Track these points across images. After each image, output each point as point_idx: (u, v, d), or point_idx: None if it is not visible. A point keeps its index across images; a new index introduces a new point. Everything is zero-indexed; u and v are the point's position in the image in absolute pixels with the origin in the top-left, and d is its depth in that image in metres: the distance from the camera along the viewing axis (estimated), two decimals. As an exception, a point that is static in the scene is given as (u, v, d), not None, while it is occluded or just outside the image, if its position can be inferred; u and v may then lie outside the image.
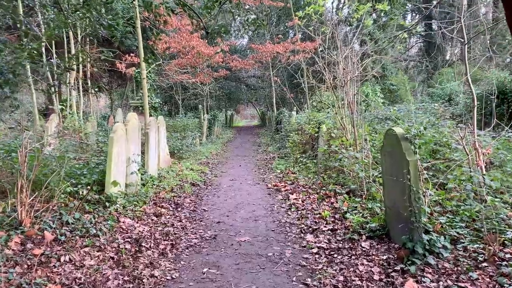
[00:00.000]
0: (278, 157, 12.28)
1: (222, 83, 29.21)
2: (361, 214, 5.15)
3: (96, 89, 16.55)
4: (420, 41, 31.22)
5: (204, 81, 19.05)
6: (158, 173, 8.69)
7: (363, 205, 5.53)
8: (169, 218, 5.66)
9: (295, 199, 6.68)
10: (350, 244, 4.36)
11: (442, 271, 3.41)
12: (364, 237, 4.46)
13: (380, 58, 14.31)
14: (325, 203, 6.18)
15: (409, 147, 3.86)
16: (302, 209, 5.96)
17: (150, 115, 11.98)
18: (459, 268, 3.41)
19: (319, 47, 17.05)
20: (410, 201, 3.77)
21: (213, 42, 17.90)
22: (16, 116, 16.55)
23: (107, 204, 5.76)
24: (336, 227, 4.91)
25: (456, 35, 8.15)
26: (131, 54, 13.96)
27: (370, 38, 21.28)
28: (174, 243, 4.59)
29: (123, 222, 5.20)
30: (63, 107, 10.61)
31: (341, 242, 4.45)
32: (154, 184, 7.79)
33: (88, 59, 13.35)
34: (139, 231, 4.91)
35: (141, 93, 11.96)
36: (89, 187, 5.83)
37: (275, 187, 7.95)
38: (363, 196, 5.86)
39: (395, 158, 4.04)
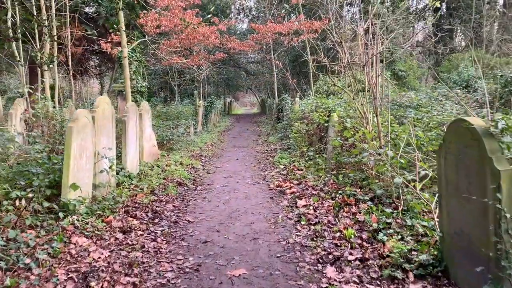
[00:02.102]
0: (281, 149, 10.88)
1: (220, 67, 27.67)
2: (399, 237, 3.76)
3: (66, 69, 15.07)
4: (428, 26, 29.64)
5: (200, 65, 17.52)
6: (140, 170, 7.31)
7: (399, 221, 4.15)
8: (140, 235, 4.28)
9: (305, 206, 5.31)
10: (392, 286, 3.00)
11: None
12: (411, 275, 3.09)
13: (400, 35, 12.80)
14: (344, 213, 4.80)
15: (497, 149, 2.46)
16: (316, 223, 4.58)
17: (136, 101, 10.55)
18: None
19: (328, 24, 15.54)
20: (498, 234, 2.39)
21: (209, 21, 16.36)
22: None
23: (60, 215, 4.39)
24: (367, 255, 3.53)
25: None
26: (118, 33, 12.44)
27: (380, 20, 19.72)
28: (139, 280, 3.21)
29: (75, 244, 3.83)
30: (31, 91, 9.17)
31: (378, 282, 3.08)
32: (131, 184, 6.41)
33: (67, 34, 11.86)
34: (93, 259, 3.54)
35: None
36: (33, 193, 4.45)
37: (279, 187, 6.57)
38: (398, 208, 4.47)
39: (469, 165, 2.65)
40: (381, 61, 6.67)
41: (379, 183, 5.49)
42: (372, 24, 5.73)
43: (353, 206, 4.98)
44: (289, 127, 13.03)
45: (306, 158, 8.46)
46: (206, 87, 25.96)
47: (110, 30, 13.07)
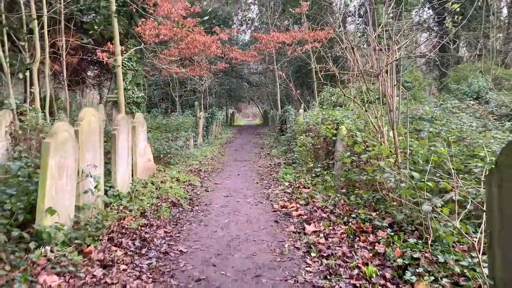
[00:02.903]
0: (285, 163, 10.25)
1: (222, 78, 27.24)
2: (432, 277, 3.12)
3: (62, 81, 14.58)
4: (432, 36, 29.21)
5: (201, 75, 17.01)
6: (131, 188, 6.69)
7: (428, 255, 3.50)
8: (123, 270, 3.65)
9: (315, 232, 4.66)
10: None
11: None
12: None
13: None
14: (360, 243, 4.16)
15: None
16: (328, 255, 3.94)
17: (132, 112, 9.99)
18: None
19: (334, 33, 15.00)
20: None
21: (211, 30, 15.90)
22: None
23: (32, 245, 3.78)
24: (394, 304, 2.89)
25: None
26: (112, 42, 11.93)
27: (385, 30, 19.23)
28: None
29: (42, 285, 3.20)
30: (17, 102, 8.61)
31: None
32: (120, 205, 5.79)
33: (62, 43, 11.37)
34: (60, 306, 2.91)
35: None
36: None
37: (284, 208, 5.93)
38: (423, 237, 3.83)
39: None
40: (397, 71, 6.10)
41: (398, 205, 4.86)
42: (386, 30, 5.15)
43: (370, 234, 4.34)
44: (293, 139, 12.43)
45: (313, 174, 7.83)
46: (208, 98, 25.50)
47: (109, 39, 12.58)
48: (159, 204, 6.03)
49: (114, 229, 4.78)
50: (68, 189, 4.71)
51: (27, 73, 9.03)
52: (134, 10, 12.50)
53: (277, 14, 19.95)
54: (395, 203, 4.92)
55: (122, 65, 9.59)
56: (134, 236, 4.58)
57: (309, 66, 19.95)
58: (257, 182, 8.09)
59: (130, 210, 5.57)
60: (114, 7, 7.88)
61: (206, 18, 13.27)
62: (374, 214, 4.94)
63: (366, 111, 5.86)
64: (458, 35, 24.80)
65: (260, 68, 31.63)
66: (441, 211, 3.66)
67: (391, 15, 16.53)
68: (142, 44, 10.01)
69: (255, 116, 53.78)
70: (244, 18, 32.55)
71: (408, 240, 3.92)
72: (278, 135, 17.40)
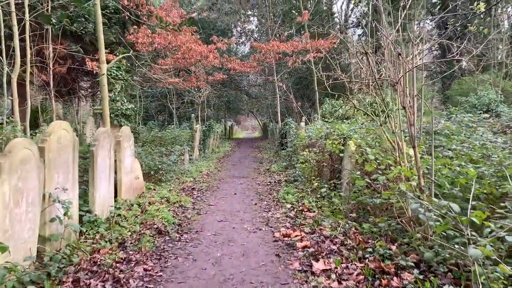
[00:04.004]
0: (286, 180, 9.47)
1: (220, 90, 26.62)
2: None
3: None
4: (435, 48, 28.71)
5: (198, 86, 16.32)
6: (112, 212, 5.89)
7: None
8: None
9: (325, 272, 3.86)
10: None
11: None
12: None
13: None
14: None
15: None
16: (344, 307, 3.14)
17: (120, 125, 9.23)
18: None
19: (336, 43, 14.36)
20: None
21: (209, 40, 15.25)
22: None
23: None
24: None
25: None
26: (105, 50, 11.24)
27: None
28: None
29: None
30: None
31: None
32: (97, 233, 4.99)
33: (49, 51, 10.68)
34: None
35: (109, 96, 9.22)
36: None
37: (286, 238, 5.13)
38: (461, 283, 3.03)
39: None
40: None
41: (423, 238, 4.07)
42: (407, 32, 4.42)
43: (394, 277, 3.54)
44: (295, 154, 11.68)
45: (318, 195, 7.04)
46: (206, 110, 24.82)
47: (98, 47, 11.87)
48: (142, 231, 5.23)
49: (84, 266, 3.98)
50: (29, 218, 3.92)
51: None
52: (126, 17, 11.87)
53: (277, 23, 19.38)
54: (419, 235, 4.13)
55: (110, 74, 8.88)
56: (106, 276, 3.78)
57: (310, 77, 19.31)
58: (256, 203, 7.29)
59: (108, 240, 4.78)
60: (99, 9, 7.17)
61: (193, 14, 12.55)
62: (394, 247, 4.14)
63: (381, 125, 5.10)
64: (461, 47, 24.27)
65: (259, 80, 31.07)
66: (485, 254, 2.88)
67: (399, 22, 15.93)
68: (131, 51, 9.28)
69: (254, 129, 53.20)
70: (244, 30, 32.09)
71: (443, 287, 3.13)
72: (278, 149, 16.65)
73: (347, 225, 5.19)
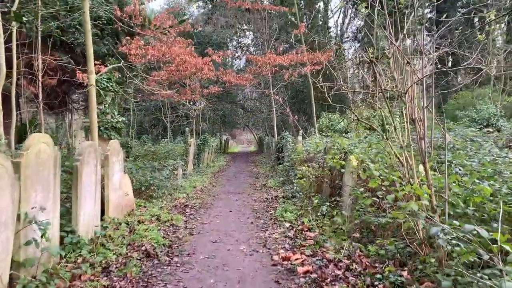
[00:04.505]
0: (283, 197, 9.07)
1: (215, 104, 26.33)
2: None
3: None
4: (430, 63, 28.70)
5: (193, 99, 15.99)
6: (97, 232, 5.46)
7: None
8: None
9: (330, 303, 3.46)
10: None
11: None
12: None
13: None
14: (397, 325, 2.96)
15: None
16: None
17: (110, 139, 8.82)
18: None
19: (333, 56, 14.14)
20: None
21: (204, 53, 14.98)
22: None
23: None
24: None
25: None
26: (97, 62, 10.90)
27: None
28: None
29: None
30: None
31: None
32: (79, 256, 4.56)
33: (38, 63, 10.32)
34: None
35: (99, 108, 8.85)
36: None
37: (286, 261, 4.71)
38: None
39: None
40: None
41: (438, 263, 3.69)
42: (415, 39, 4.10)
43: (409, 310, 3.14)
44: (292, 169, 11.31)
45: (318, 213, 6.64)
46: (201, 124, 24.48)
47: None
48: (129, 254, 4.80)
49: (61, 296, 3.54)
50: (1, 241, 3.51)
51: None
52: (119, 28, 11.58)
53: (273, 37, 19.20)
54: (433, 260, 3.75)
55: (100, 85, 8.52)
56: (85, 308, 3.35)
57: (306, 90, 19.07)
58: (252, 222, 6.87)
59: (90, 265, 4.34)
60: (88, 17, 6.84)
61: (185, 17, 12.24)
62: (405, 273, 3.76)
63: (387, 139, 4.76)
64: (457, 61, 24.25)
65: (255, 93, 30.89)
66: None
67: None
68: (122, 62, 8.94)
69: (250, 143, 52.88)
70: (239, 44, 32.03)
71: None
72: (275, 164, 16.28)
73: (351, 247, 4.80)
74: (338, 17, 24.43)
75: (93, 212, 5.48)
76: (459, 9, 24.71)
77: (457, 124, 13.61)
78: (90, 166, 5.40)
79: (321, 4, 25.04)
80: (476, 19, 24.92)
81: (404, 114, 4.56)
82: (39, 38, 10.50)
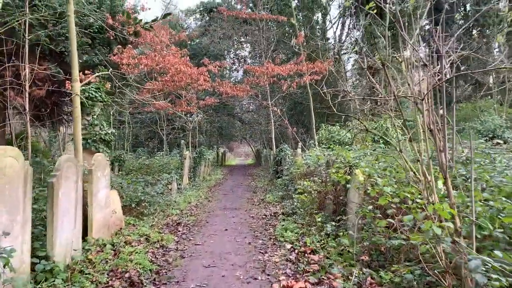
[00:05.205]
0: (283, 213, 8.52)
1: (212, 116, 25.89)
2: None
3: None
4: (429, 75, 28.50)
5: (188, 111, 15.51)
6: (80, 255, 4.90)
7: None
8: None
9: None
10: None
11: None
12: None
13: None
14: None
15: None
16: None
17: (98, 151, 8.29)
18: None
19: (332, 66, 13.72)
20: None
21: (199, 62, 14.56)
22: None
23: None
24: None
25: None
26: (87, 72, 10.42)
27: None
28: None
29: None
30: None
31: None
32: (52, 286, 3.99)
33: (25, 72, 9.84)
34: None
35: (87, 120, 8.33)
36: None
37: (288, 290, 4.16)
38: None
39: None
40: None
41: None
42: (434, 39, 3.62)
43: None
44: (291, 183, 10.78)
45: (321, 232, 6.09)
46: (198, 137, 23.97)
47: (83, 68, 11.07)
48: (110, 283, 4.23)
49: None
50: (-49, 275, 2.95)
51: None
52: (111, 37, 11.13)
53: (271, 48, 18.83)
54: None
55: (88, 95, 8.01)
56: None
57: (305, 102, 18.64)
58: (250, 243, 6.30)
59: (63, 297, 3.78)
60: (73, 21, 6.37)
61: (169, 14, 11.75)
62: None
63: (400, 151, 4.24)
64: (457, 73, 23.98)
65: (253, 106, 30.50)
66: None
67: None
68: (111, 69, 8.46)
69: (248, 156, 52.37)
70: (237, 57, 31.74)
71: None
72: (273, 177, 15.74)
73: (361, 273, 4.25)
74: (337, 28, 24.12)
75: (72, 233, 4.92)
76: (458, 21, 24.53)
77: (461, 136, 13.14)
78: (69, 183, 4.86)
79: (319, 15, 24.84)
80: (474, 31, 24.76)
81: (420, 124, 4.06)
82: (27, 46, 10.06)
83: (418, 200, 4.18)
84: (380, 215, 4.83)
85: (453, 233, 3.51)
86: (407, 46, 4.56)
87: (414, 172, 4.08)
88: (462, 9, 25.08)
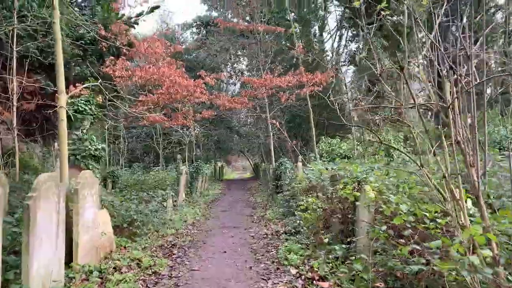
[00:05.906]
0: (285, 232, 7.98)
1: (209, 130, 25.42)
2: None
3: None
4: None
5: (184, 124, 15.04)
6: (62, 285, 4.36)
7: None
8: None
9: None
10: None
11: None
12: None
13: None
14: None
15: None
16: None
17: (88, 168, 7.78)
18: None
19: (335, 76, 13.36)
20: None
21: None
22: None
23: None
24: None
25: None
26: (78, 84, 9.97)
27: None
28: None
29: None
30: None
31: None
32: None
33: (13, 85, 9.41)
34: None
35: (76, 134, 7.84)
36: None
37: (297, 326, 3.62)
38: None
39: None
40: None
41: None
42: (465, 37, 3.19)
43: None
44: (293, 199, 10.25)
45: (329, 255, 5.56)
46: (195, 151, 23.46)
47: (75, 81, 10.60)
48: (92, 321, 3.69)
49: None
50: None
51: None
52: (104, 48, 10.73)
53: (268, 61, 18.50)
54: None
55: (77, 109, 7.56)
56: None
57: (305, 114, 18.25)
58: (251, 267, 5.76)
59: None
60: (58, 27, 5.93)
61: (156, 5, 11.33)
62: None
63: (421, 166, 3.76)
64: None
65: (250, 119, 30.10)
66: None
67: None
68: (100, 80, 8.01)
69: (246, 170, 51.80)
70: (234, 70, 31.48)
71: None
72: (273, 192, 15.19)
73: (380, 306, 3.73)
74: (334, 40, 23.92)
75: (52, 261, 4.38)
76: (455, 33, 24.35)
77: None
78: (49, 204, 4.35)
79: (316, 28, 24.67)
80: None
81: (444, 135, 3.59)
82: (15, 58, 9.63)
83: (438, 220, 3.73)
84: (394, 236, 4.35)
85: (491, 263, 3.02)
86: (422, 48, 4.13)
87: (438, 190, 3.59)
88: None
